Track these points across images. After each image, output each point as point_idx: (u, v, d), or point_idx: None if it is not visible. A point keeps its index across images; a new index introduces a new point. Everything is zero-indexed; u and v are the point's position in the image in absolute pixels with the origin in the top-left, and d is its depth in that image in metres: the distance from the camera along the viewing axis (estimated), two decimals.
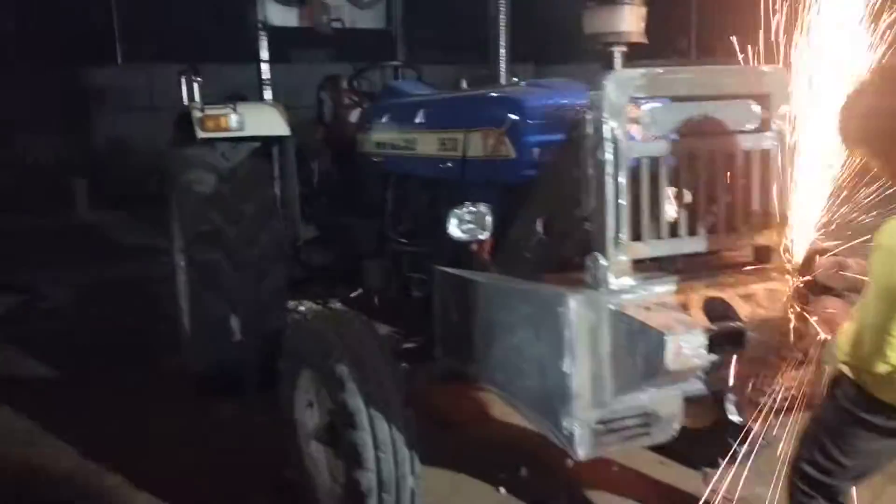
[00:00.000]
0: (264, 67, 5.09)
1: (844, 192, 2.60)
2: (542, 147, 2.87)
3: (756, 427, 2.67)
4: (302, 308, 4.86)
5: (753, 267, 2.64)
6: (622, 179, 2.35)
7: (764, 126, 2.57)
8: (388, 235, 3.87)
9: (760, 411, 2.68)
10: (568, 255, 2.62)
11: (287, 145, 4.70)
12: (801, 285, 2.62)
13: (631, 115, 2.37)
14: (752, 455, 3.18)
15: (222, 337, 4.37)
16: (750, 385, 2.66)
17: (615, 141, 2.34)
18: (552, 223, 2.60)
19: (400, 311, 3.90)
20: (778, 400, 2.72)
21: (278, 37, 5.18)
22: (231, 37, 6.43)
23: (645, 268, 2.51)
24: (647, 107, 2.40)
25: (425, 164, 3.51)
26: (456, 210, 2.93)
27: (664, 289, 2.47)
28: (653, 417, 2.57)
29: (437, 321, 2.71)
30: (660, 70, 2.40)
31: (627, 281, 2.41)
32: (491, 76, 4.42)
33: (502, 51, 3.77)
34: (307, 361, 3.10)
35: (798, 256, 2.62)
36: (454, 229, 2.95)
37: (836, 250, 2.58)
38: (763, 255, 2.67)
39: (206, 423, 4.37)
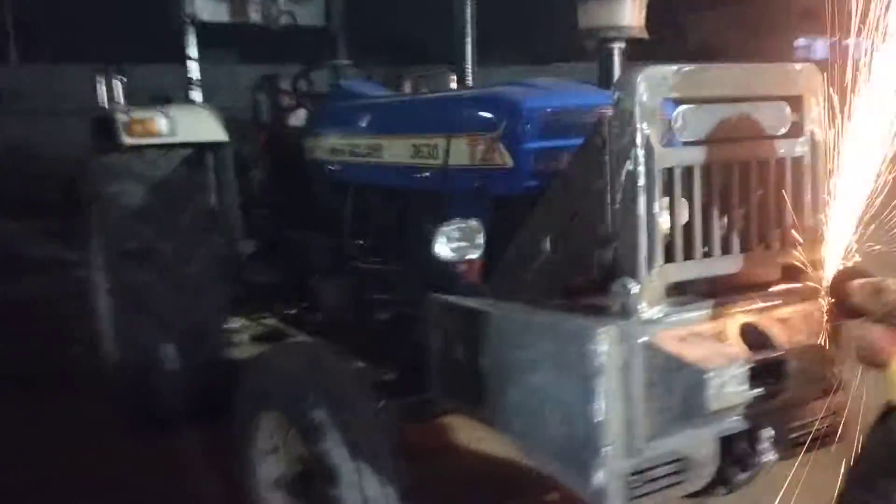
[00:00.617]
0: (193, 66, 4.62)
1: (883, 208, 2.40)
2: (544, 155, 2.54)
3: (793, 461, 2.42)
4: (236, 325, 4.44)
5: (783, 287, 2.38)
6: (657, 192, 2.05)
7: (796, 131, 2.31)
8: (347, 252, 3.47)
9: (797, 446, 2.44)
10: (580, 278, 2.30)
11: (224, 152, 4.26)
12: (831, 309, 2.38)
13: (660, 119, 2.07)
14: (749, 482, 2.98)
15: (153, 365, 3.91)
16: (787, 419, 2.41)
17: (648, 148, 2.04)
18: (563, 242, 2.27)
19: (360, 334, 3.52)
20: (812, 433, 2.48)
21: (207, 34, 4.73)
22: (148, 34, 5.91)
23: (669, 292, 2.22)
24: (679, 109, 2.11)
25: (394, 174, 3.14)
26: (444, 227, 2.58)
27: (695, 315, 2.18)
28: (687, 463, 2.28)
29: (433, 356, 2.35)
30: (691, 67, 2.11)
31: (660, 309, 2.11)
32: (440, 77, 4.10)
33: (468, 48, 3.44)
34: (273, 403, 2.69)
35: (830, 275, 2.38)
36: (442, 248, 2.59)
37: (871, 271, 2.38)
38: (792, 274, 2.41)
39: (131, 463, 3.88)
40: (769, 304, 2.33)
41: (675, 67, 2.07)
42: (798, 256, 2.38)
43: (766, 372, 2.21)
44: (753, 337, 2.24)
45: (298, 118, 4.58)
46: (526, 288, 2.40)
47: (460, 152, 2.74)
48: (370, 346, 3.42)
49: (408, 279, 3.17)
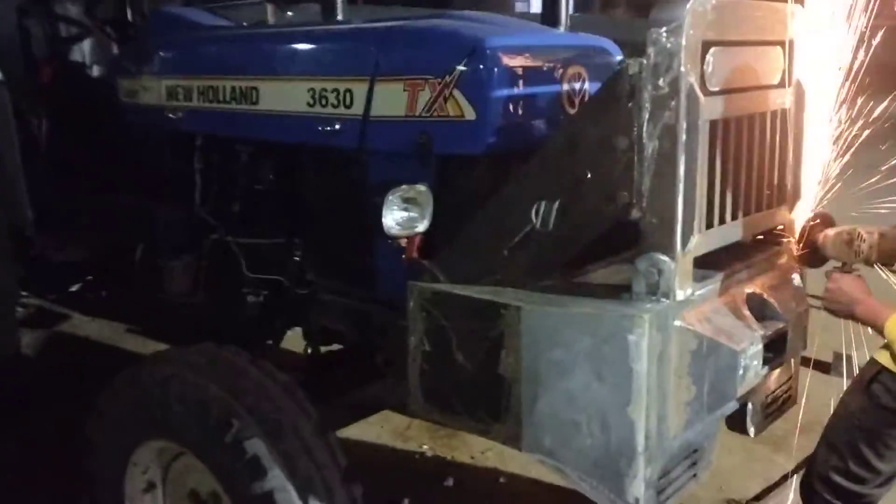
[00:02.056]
0: None
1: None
2: (511, 105, 2.11)
3: None
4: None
5: (772, 250, 2.20)
6: (700, 150, 1.73)
7: (783, 80, 2.10)
8: (198, 222, 2.80)
9: (768, 417, 2.30)
10: (579, 254, 1.94)
11: None
12: (801, 258, 2.26)
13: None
14: None
15: None
16: (769, 393, 2.25)
17: (692, 97, 1.70)
18: (563, 211, 1.88)
19: (217, 323, 2.90)
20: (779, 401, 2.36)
21: None
22: None
23: None
24: (711, 52, 1.79)
25: (277, 126, 2.52)
26: (390, 195, 2.07)
27: (711, 289, 1.93)
28: (699, 453, 2.04)
29: (413, 361, 1.87)
30: (726, 2, 1.80)
31: (690, 287, 1.82)
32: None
33: None
34: (161, 432, 2.05)
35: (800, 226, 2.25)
36: (389, 219, 2.09)
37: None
38: (774, 234, 2.24)
39: None
40: (766, 270, 2.15)
41: (713, 1, 1.74)
42: (786, 216, 2.21)
43: (773, 346, 2.03)
44: (760, 309, 2.04)
45: (90, 51, 3.68)
46: (500, 267, 1.98)
47: (390, 100, 2.21)
48: (238, 337, 2.83)
49: (295, 257, 2.61)
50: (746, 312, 1.97)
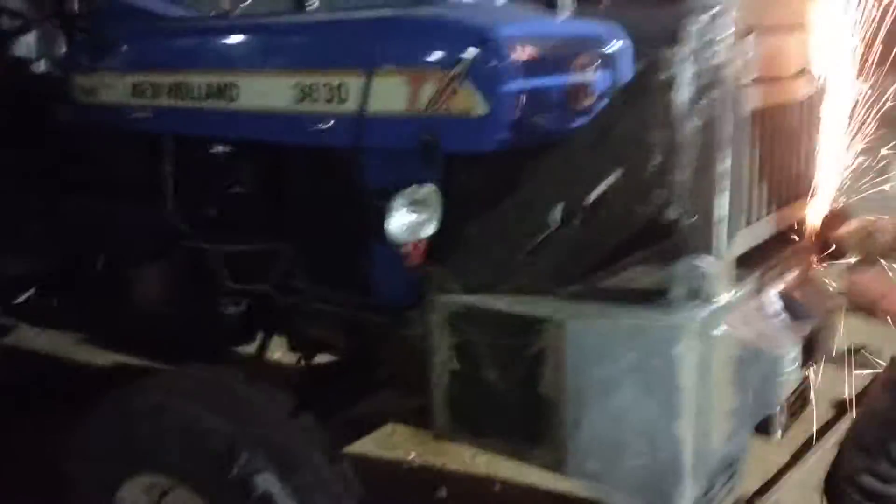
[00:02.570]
0: None
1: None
2: (526, 98, 1.96)
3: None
4: None
5: (796, 246, 2.11)
6: (746, 143, 1.62)
7: (811, 67, 2.00)
8: (170, 227, 2.58)
9: (791, 417, 2.21)
10: (607, 256, 1.81)
11: None
12: (819, 253, 2.18)
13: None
14: None
15: None
16: (792, 392, 2.16)
17: (737, 87, 1.58)
18: (592, 211, 1.74)
19: (202, 335, 2.70)
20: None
21: None
22: None
23: None
24: (749, 38, 1.66)
25: (260, 124, 2.32)
26: (397, 198, 1.91)
27: (743, 291, 1.82)
28: (734, 466, 1.94)
29: (438, 380, 1.71)
30: None
31: (732, 289, 1.71)
32: None
33: None
34: (156, 466, 1.86)
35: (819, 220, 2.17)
36: (396, 224, 1.93)
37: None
38: (793, 229, 2.15)
39: None
40: (792, 267, 2.05)
41: None
42: (810, 209, 2.12)
43: (807, 347, 1.94)
44: (792, 308, 1.95)
45: (30, 47, 3.40)
46: (518, 273, 1.84)
47: (389, 94, 2.04)
48: (212, 350, 2.64)
49: (282, 264, 2.42)
50: (782, 314, 1.88)
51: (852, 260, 2.14)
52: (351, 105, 2.11)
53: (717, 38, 1.55)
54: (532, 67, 1.96)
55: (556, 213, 1.79)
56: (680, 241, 1.65)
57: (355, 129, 2.11)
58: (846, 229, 2.12)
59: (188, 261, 2.60)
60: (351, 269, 2.26)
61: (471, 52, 1.90)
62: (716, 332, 1.64)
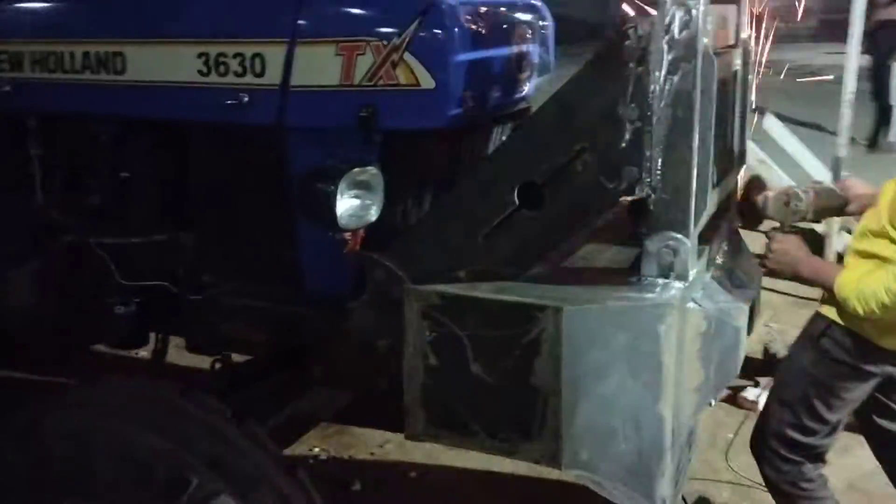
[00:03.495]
0: None
1: None
2: (473, 70, 1.84)
3: None
4: None
5: (723, 215, 2.14)
6: (713, 115, 1.59)
7: (739, 40, 2.03)
8: (55, 222, 2.27)
9: None
10: (571, 236, 1.75)
11: None
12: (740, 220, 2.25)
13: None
14: None
15: None
16: None
17: (708, 58, 1.55)
18: (555, 190, 1.66)
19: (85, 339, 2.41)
20: None
21: None
22: None
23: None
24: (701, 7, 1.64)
25: (156, 99, 2.05)
26: (344, 181, 1.75)
27: (700, 265, 1.82)
28: (693, 435, 1.95)
29: (413, 377, 1.58)
30: None
31: (697, 265, 1.70)
32: None
33: None
34: (83, 497, 1.61)
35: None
36: (343, 209, 1.76)
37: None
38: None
39: None
40: (724, 237, 2.09)
41: None
42: (737, 179, 2.16)
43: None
44: (733, 279, 1.98)
45: None
46: (475, 257, 1.74)
47: (317, 66, 1.86)
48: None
49: (185, 257, 2.19)
50: (729, 285, 1.90)
51: (772, 226, 2.23)
52: (271, 78, 1.91)
53: (694, 8, 1.51)
54: (477, 38, 1.85)
55: (516, 194, 1.71)
56: (650, 219, 1.62)
57: (277, 105, 1.92)
58: (767, 197, 2.19)
59: (68, 257, 2.30)
60: (273, 259, 2.07)
61: (414, 21, 1.76)
62: (689, 308, 1.62)
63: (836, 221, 4.57)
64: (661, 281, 1.62)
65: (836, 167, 4.50)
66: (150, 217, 2.20)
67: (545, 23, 2.21)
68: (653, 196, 1.60)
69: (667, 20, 1.52)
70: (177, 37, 2.01)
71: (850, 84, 4.45)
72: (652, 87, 1.55)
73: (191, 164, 2.11)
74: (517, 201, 1.71)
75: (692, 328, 1.66)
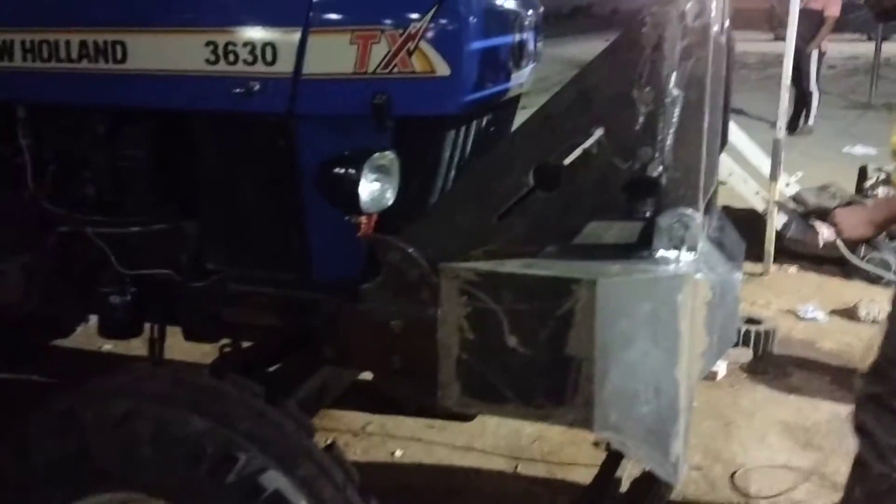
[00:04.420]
0: None
1: None
2: (487, 57, 1.91)
3: None
4: None
5: None
6: (721, 97, 1.71)
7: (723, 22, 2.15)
8: (49, 213, 2.24)
9: None
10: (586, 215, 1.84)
11: None
12: None
13: None
14: None
15: None
16: None
17: (718, 43, 1.67)
18: (572, 171, 1.75)
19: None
20: None
21: None
22: None
23: None
24: None
25: (160, 89, 2.05)
26: (366, 165, 1.80)
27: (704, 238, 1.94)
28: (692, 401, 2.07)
29: (449, 350, 1.64)
30: None
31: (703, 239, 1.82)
32: None
33: None
34: (125, 482, 1.65)
35: None
36: (365, 193, 1.82)
37: None
38: None
39: None
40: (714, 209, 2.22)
41: None
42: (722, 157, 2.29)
43: None
44: (726, 251, 2.11)
45: None
46: (490, 237, 1.82)
47: (332, 55, 1.89)
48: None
49: (188, 244, 2.20)
50: (722, 254, 2.03)
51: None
52: (283, 67, 1.94)
53: None
54: (487, 26, 1.92)
55: (531, 176, 1.79)
56: (662, 196, 1.72)
57: (289, 93, 1.95)
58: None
59: (63, 248, 2.28)
60: (281, 245, 2.10)
61: (430, 10, 1.82)
62: (698, 279, 1.74)
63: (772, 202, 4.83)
64: (673, 254, 1.73)
65: (776, 149, 4.74)
66: (151, 206, 2.20)
67: (536, 11, 2.30)
68: (665, 174, 1.71)
69: (682, 8, 1.63)
70: (182, 25, 2.02)
71: (788, 71, 4.69)
72: (666, 71, 1.66)
73: (196, 153, 2.12)
74: (532, 182, 1.79)
75: (700, 297, 1.77)
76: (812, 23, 9.07)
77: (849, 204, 2.30)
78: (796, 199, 5.06)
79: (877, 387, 2.30)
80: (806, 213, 2.31)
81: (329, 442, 1.74)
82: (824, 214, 2.25)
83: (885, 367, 2.30)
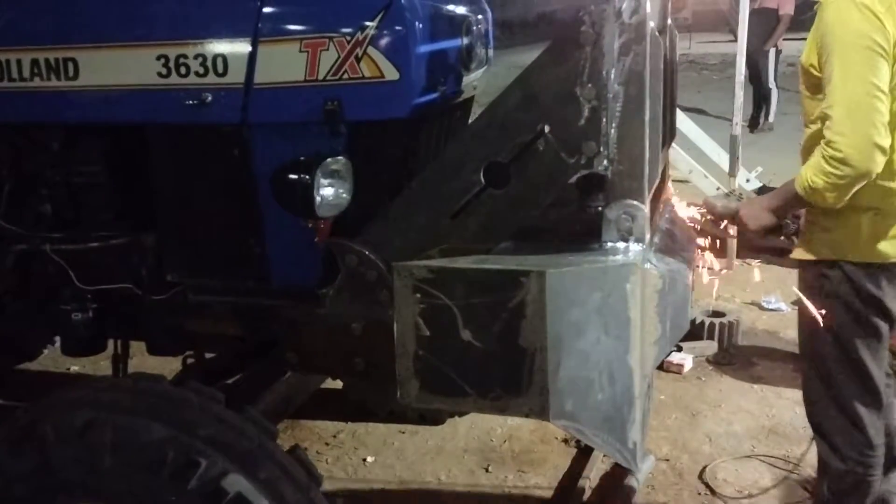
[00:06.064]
0: None
1: None
2: (434, 61, 1.95)
3: None
4: None
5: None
6: (660, 91, 1.76)
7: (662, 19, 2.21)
8: (5, 231, 2.24)
9: None
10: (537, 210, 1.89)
11: None
12: None
13: None
14: None
15: None
16: None
17: (654, 39, 1.72)
18: (520, 168, 1.79)
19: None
20: None
21: None
22: None
23: None
24: None
25: (112, 104, 2.06)
26: (321, 170, 1.83)
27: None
28: (651, 388, 2.12)
29: (406, 347, 1.67)
30: None
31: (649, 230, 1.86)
32: None
33: None
34: (89, 493, 1.64)
35: None
36: (321, 198, 1.85)
37: None
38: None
39: None
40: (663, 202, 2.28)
41: None
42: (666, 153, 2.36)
43: None
44: (677, 242, 2.16)
45: None
46: (444, 236, 1.85)
47: (282, 64, 1.92)
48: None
49: (147, 257, 2.21)
50: (673, 245, 2.08)
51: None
52: (233, 77, 1.97)
53: None
54: (434, 31, 1.96)
55: (482, 174, 1.83)
56: (609, 189, 1.77)
57: (241, 103, 1.97)
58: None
59: (20, 267, 2.28)
60: (239, 254, 2.12)
61: (376, 16, 1.85)
62: (647, 268, 1.78)
63: None
64: (621, 245, 1.77)
65: (733, 145, 4.83)
66: (109, 220, 2.21)
67: (486, 16, 2.35)
68: (610, 168, 1.76)
69: (617, 6, 1.68)
70: (133, 40, 2.03)
71: (741, 69, 4.79)
72: (606, 68, 1.70)
73: (152, 165, 2.13)
74: (483, 181, 1.83)
75: (650, 286, 1.81)
76: (768, 22, 9.24)
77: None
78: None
79: (823, 386, 2.34)
80: (714, 218, 2.37)
81: (292, 445, 1.76)
82: (732, 216, 2.34)
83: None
